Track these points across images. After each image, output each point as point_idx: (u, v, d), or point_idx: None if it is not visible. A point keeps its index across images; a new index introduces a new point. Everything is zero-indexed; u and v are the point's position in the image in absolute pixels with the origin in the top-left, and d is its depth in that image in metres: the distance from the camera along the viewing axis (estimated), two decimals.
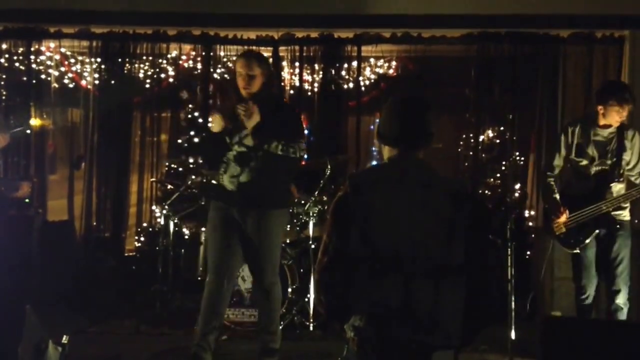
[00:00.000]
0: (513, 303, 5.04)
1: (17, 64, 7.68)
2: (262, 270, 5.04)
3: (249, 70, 4.89)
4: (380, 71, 7.94)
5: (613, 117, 5.03)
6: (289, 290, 5.93)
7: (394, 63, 7.94)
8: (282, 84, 7.58)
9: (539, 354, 3.28)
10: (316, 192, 6.28)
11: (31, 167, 7.73)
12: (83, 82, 7.90)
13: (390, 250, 2.76)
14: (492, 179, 7.64)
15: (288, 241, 6.35)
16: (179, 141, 7.86)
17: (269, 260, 5.02)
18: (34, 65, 7.68)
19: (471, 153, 7.58)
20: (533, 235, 7.00)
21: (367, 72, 7.92)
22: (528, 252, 7.08)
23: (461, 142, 7.77)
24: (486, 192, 7.53)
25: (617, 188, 5.12)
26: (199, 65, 7.80)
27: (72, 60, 7.93)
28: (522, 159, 7.50)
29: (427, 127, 2.92)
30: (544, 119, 7.35)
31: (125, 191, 7.80)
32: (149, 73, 7.80)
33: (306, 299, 6.07)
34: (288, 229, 6.21)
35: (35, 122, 7.77)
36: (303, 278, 6.14)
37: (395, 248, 2.76)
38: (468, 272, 2.80)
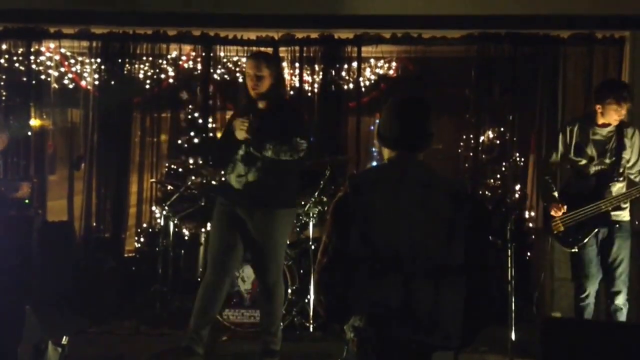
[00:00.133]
0: (513, 304, 5.05)
1: (17, 65, 7.67)
2: (266, 270, 5.06)
3: (258, 71, 4.95)
4: (381, 72, 7.94)
5: (611, 116, 5.02)
6: (289, 291, 5.93)
7: (394, 64, 7.93)
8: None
9: (539, 355, 3.27)
10: (316, 193, 6.27)
11: (31, 168, 7.72)
12: (83, 83, 7.90)
13: (390, 250, 2.76)
14: (492, 180, 7.63)
15: (288, 242, 6.34)
16: (179, 142, 7.86)
17: (273, 260, 5.05)
18: (33, 66, 7.67)
19: (471, 154, 7.57)
20: (533, 236, 7.00)
21: (367, 72, 7.91)
22: (528, 253, 7.07)
23: (461, 143, 7.77)
24: (486, 192, 7.52)
25: (617, 187, 5.11)
26: (199, 66, 7.79)
27: (72, 61, 7.92)
28: (522, 159, 7.49)
29: (427, 129, 2.92)
30: (544, 120, 7.35)
31: (125, 192, 7.80)
32: (149, 73, 7.80)
33: (306, 300, 6.07)
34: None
35: (35, 122, 7.77)
36: (303, 279, 6.14)
37: (395, 248, 2.76)
38: (468, 272, 2.80)
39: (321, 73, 7.59)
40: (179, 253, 6.87)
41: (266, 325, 5.16)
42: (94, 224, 7.75)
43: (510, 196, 7.33)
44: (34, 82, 7.69)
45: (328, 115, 7.57)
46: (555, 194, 5.26)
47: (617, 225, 5.10)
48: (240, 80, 7.80)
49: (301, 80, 7.60)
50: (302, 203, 6.29)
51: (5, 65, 7.68)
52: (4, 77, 7.74)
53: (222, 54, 7.75)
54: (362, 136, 7.78)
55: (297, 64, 7.58)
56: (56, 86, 7.87)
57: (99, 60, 7.66)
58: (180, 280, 6.78)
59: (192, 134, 7.77)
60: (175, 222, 6.69)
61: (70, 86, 7.97)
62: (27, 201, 7.03)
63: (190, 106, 7.85)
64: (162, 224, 6.68)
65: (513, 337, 5.04)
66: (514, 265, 5.13)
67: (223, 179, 7.44)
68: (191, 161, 7.67)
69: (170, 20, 7.38)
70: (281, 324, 5.36)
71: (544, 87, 7.38)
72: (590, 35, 7.25)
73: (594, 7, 6.97)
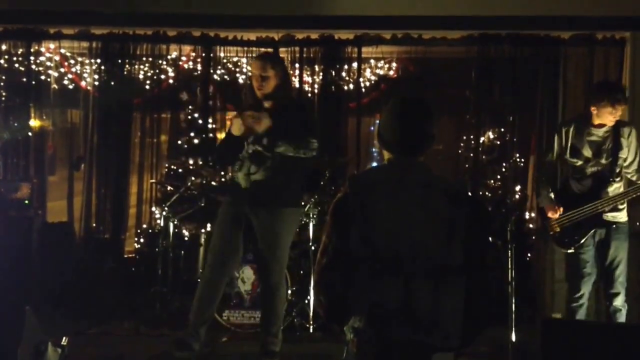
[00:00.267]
0: (514, 305, 5.04)
1: (16, 65, 7.67)
2: (269, 270, 5.09)
3: (263, 72, 5.02)
4: (381, 72, 7.93)
5: (606, 118, 5.01)
6: (289, 292, 5.92)
7: (394, 64, 7.93)
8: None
9: (540, 356, 3.26)
10: (316, 194, 6.27)
11: (31, 168, 7.71)
12: (83, 83, 7.89)
13: (390, 250, 2.76)
14: (492, 181, 7.62)
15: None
16: (179, 142, 7.85)
17: (277, 259, 5.07)
18: (33, 66, 7.67)
19: (471, 154, 7.57)
20: (534, 237, 6.99)
21: (368, 73, 7.91)
22: (529, 254, 7.06)
23: (461, 144, 7.76)
24: (486, 193, 7.51)
25: (614, 187, 5.09)
26: (199, 67, 7.79)
27: (72, 61, 7.92)
28: (523, 160, 7.49)
29: (427, 132, 2.91)
30: (545, 121, 7.34)
31: (125, 192, 7.79)
32: (149, 74, 7.79)
33: (306, 301, 6.07)
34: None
35: (34, 123, 7.76)
36: (303, 280, 6.14)
37: (395, 248, 2.76)
38: (468, 273, 2.79)
39: (321, 74, 7.58)
40: (178, 254, 6.87)
41: (266, 325, 5.17)
42: (94, 225, 7.75)
43: (511, 197, 7.33)
44: (33, 82, 7.69)
45: (328, 116, 7.56)
46: (552, 195, 5.26)
47: (614, 226, 5.08)
48: (241, 80, 7.82)
49: (301, 81, 7.60)
50: (302, 204, 6.28)
51: (5, 65, 7.68)
52: (3, 77, 7.73)
53: (222, 55, 7.75)
54: (362, 137, 7.78)
55: (297, 65, 7.58)
56: (56, 87, 7.87)
57: (98, 60, 7.66)
58: (180, 281, 6.77)
59: (192, 134, 7.76)
60: (175, 222, 6.68)
61: (70, 87, 7.97)
62: (26, 202, 7.03)
63: (190, 107, 7.84)
64: (162, 224, 6.67)
65: (513, 338, 5.03)
66: (514, 266, 5.11)
67: (223, 179, 7.50)
68: (191, 162, 7.66)
69: (170, 20, 7.37)
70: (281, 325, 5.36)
71: (545, 88, 7.38)
72: (590, 36, 7.25)
73: (594, 8, 6.96)
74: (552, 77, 7.37)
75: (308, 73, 7.71)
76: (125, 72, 7.69)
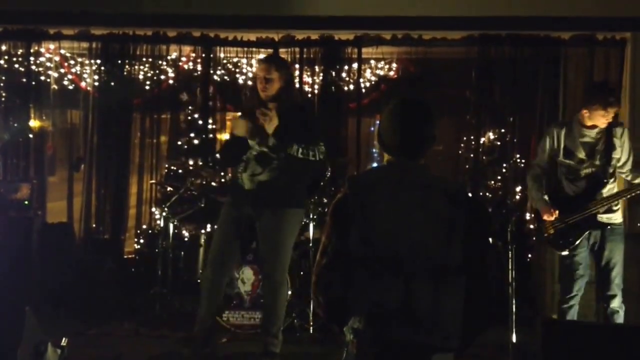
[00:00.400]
0: (514, 306, 5.03)
1: (16, 66, 7.67)
2: (272, 270, 5.11)
3: (267, 74, 5.05)
4: (381, 73, 7.93)
5: (599, 120, 5.00)
6: (289, 293, 5.91)
7: (394, 65, 7.93)
8: None
9: (540, 357, 3.26)
10: (316, 195, 6.26)
11: (30, 169, 7.72)
12: (83, 84, 7.90)
13: (389, 251, 2.75)
14: (492, 181, 7.62)
15: None
16: (179, 143, 7.85)
17: (280, 259, 5.09)
18: (33, 67, 7.68)
19: (472, 155, 7.57)
20: (534, 238, 6.98)
21: (368, 74, 7.90)
22: (529, 255, 7.06)
23: (462, 144, 7.76)
24: (487, 194, 7.51)
25: (608, 188, 5.07)
26: (199, 67, 7.79)
27: (72, 62, 7.92)
28: (523, 161, 7.48)
29: (428, 134, 2.90)
30: (545, 121, 7.32)
31: (125, 193, 7.79)
32: (149, 75, 7.80)
33: (306, 302, 6.06)
34: None
35: (34, 123, 7.76)
36: (303, 281, 6.13)
37: (394, 249, 2.75)
38: (467, 273, 2.79)
39: (321, 74, 7.58)
40: (178, 254, 6.87)
41: (267, 325, 5.18)
42: (94, 225, 7.75)
43: (511, 198, 7.32)
44: (33, 83, 7.70)
45: (328, 116, 7.56)
46: (546, 197, 5.25)
47: (609, 228, 5.07)
48: (241, 81, 7.82)
49: (301, 82, 7.59)
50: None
51: (5, 66, 7.69)
52: (3, 78, 7.73)
53: (222, 55, 7.75)
54: (362, 137, 7.78)
55: (297, 65, 7.57)
56: (56, 87, 7.88)
57: (98, 61, 7.66)
58: (179, 281, 6.77)
59: (191, 135, 7.76)
60: (175, 223, 6.68)
61: (70, 87, 7.98)
62: (26, 202, 7.03)
63: (190, 107, 7.84)
64: (161, 225, 6.67)
65: (514, 339, 5.03)
66: (515, 267, 5.11)
67: (223, 180, 7.51)
68: (191, 162, 7.66)
69: (170, 21, 7.37)
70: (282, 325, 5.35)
71: (545, 88, 7.37)
72: (591, 37, 7.24)
73: (595, 9, 6.95)
74: (552, 78, 7.36)
75: (308, 74, 7.71)
76: (125, 73, 7.69)
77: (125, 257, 7.80)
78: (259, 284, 5.92)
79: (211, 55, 7.68)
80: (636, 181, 5.12)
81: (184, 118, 7.91)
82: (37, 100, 7.76)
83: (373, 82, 7.95)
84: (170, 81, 7.88)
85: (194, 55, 7.81)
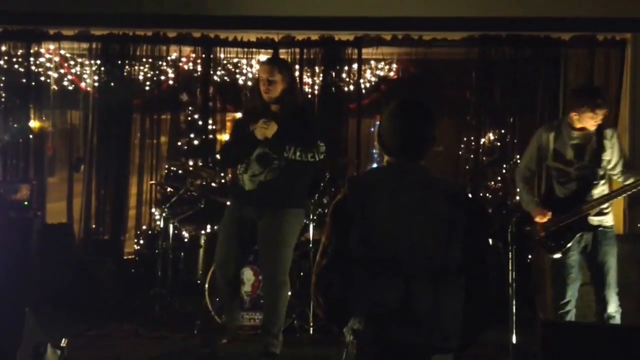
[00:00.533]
0: (514, 307, 5.02)
1: (16, 66, 7.69)
2: (274, 269, 5.11)
3: (270, 76, 5.04)
4: (381, 74, 7.93)
5: (588, 122, 4.97)
6: (289, 293, 5.91)
7: (394, 65, 7.93)
8: None
9: (540, 358, 3.26)
10: (316, 195, 6.26)
11: (30, 170, 7.72)
12: (83, 84, 7.90)
13: (390, 251, 2.75)
14: (493, 182, 7.61)
15: None
16: (179, 143, 7.85)
17: (281, 259, 5.10)
18: (33, 68, 7.68)
19: (472, 156, 7.57)
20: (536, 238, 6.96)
21: (368, 74, 7.91)
22: (529, 256, 7.04)
23: (462, 145, 7.76)
24: (487, 195, 7.50)
25: (598, 190, 5.05)
26: (199, 68, 7.79)
27: (72, 62, 7.93)
28: None
29: (427, 136, 2.90)
30: (545, 122, 7.31)
31: (125, 194, 7.79)
32: (149, 75, 7.80)
33: (306, 303, 6.05)
34: None
35: (34, 124, 7.77)
36: (303, 281, 6.12)
37: (395, 249, 2.75)
38: (467, 274, 2.79)
39: (321, 75, 7.59)
40: (178, 255, 6.86)
41: (267, 326, 5.17)
42: (94, 226, 7.75)
43: (511, 198, 7.31)
44: (33, 83, 7.71)
45: (328, 117, 7.56)
46: (537, 199, 5.23)
47: (601, 230, 5.04)
48: (241, 82, 7.82)
49: (301, 82, 7.59)
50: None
51: (5, 66, 7.70)
52: (3, 78, 7.74)
53: (222, 56, 7.76)
54: (362, 138, 7.78)
55: (297, 66, 7.57)
56: (56, 88, 7.88)
57: (98, 61, 7.67)
58: (179, 282, 6.77)
59: (191, 135, 7.76)
60: (175, 224, 6.67)
61: (70, 88, 7.98)
62: (26, 203, 7.03)
63: (190, 108, 7.84)
64: (161, 226, 6.66)
65: (514, 340, 5.01)
66: (515, 268, 5.09)
67: (223, 180, 7.50)
68: (191, 163, 7.66)
69: (170, 21, 7.38)
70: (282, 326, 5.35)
71: (545, 89, 7.37)
72: (591, 38, 7.25)
73: (595, 9, 6.96)
74: (552, 79, 7.36)
75: (308, 74, 7.71)
76: (125, 73, 7.70)
77: (125, 257, 7.80)
78: (259, 284, 5.91)
79: (211, 56, 7.69)
80: (627, 182, 5.10)
81: (184, 119, 7.91)
82: (37, 101, 7.76)
83: (373, 83, 7.95)
84: (170, 82, 7.89)
85: (194, 55, 7.82)
